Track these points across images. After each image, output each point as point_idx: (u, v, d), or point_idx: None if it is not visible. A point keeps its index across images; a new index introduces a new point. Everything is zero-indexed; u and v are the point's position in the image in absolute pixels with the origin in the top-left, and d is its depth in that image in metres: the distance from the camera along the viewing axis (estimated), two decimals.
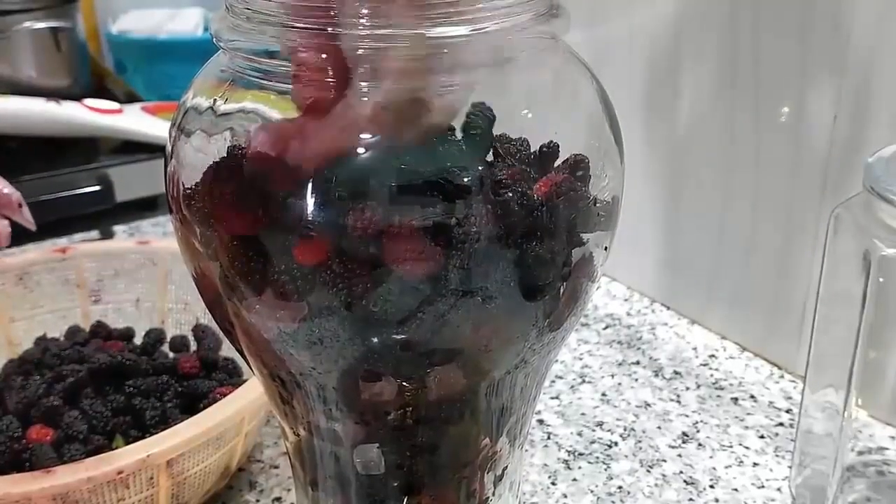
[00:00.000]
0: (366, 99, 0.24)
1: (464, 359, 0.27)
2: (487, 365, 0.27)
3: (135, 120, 0.82)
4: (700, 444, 0.49)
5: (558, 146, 0.26)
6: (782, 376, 0.55)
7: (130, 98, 0.93)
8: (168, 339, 0.52)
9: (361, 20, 0.23)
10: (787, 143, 0.51)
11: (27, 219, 0.52)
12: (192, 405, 0.45)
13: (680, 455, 0.48)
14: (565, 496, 0.45)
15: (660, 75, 0.58)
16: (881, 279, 0.36)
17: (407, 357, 0.25)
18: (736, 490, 0.45)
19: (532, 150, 0.26)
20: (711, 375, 0.55)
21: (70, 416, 0.42)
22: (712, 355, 0.57)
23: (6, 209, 0.51)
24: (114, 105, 0.82)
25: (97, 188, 0.75)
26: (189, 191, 0.26)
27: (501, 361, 0.27)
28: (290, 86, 0.25)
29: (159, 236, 0.73)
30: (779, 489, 0.45)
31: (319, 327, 0.25)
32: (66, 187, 0.74)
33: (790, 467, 0.45)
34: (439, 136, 0.26)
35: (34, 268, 0.52)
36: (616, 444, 0.49)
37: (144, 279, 0.54)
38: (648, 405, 0.52)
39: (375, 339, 0.25)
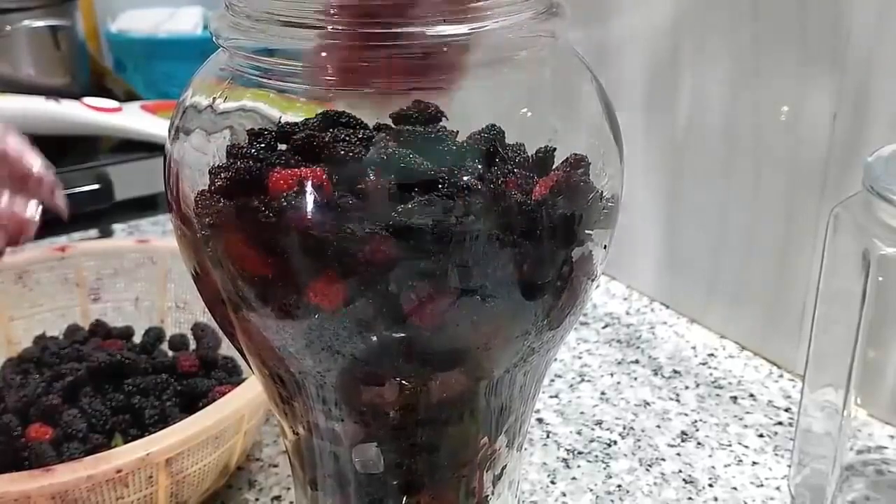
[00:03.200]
0: None
1: (465, 359, 0.27)
2: (487, 364, 0.27)
3: (134, 118, 0.81)
4: (699, 443, 0.49)
5: (554, 150, 0.26)
6: (781, 375, 0.55)
7: (130, 96, 0.92)
8: (167, 338, 0.52)
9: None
10: (787, 143, 0.51)
11: (60, 205, 0.44)
12: (191, 404, 0.45)
13: (679, 454, 0.48)
14: (564, 495, 0.45)
15: (660, 75, 0.58)
16: (880, 278, 0.36)
17: (408, 358, 0.25)
18: (735, 489, 0.45)
19: (529, 154, 0.26)
20: (710, 374, 0.55)
21: (69, 415, 0.42)
22: (711, 354, 0.57)
23: (37, 191, 0.42)
24: (113, 104, 0.82)
25: (96, 187, 0.75)
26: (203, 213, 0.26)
27: (501, 360, 0.27)
28: (288, 84, 0.25)
29: (158, 235, 0.73)
30: (778, 488, 0.45)
31: (320, 327, 0.25)
32: (65, 186, 0.74)
33: (789, 466, 0.45)
34: (439, 136, 0.26)
35: (33, 266, 0.52)
36: (615, 442, 0.49)
37: (144, 278, 0.54)
38: (647, 404, 0.52)
39: (376, 339, 0.25)
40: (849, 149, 0.47)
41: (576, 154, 0.26)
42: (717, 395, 0.53)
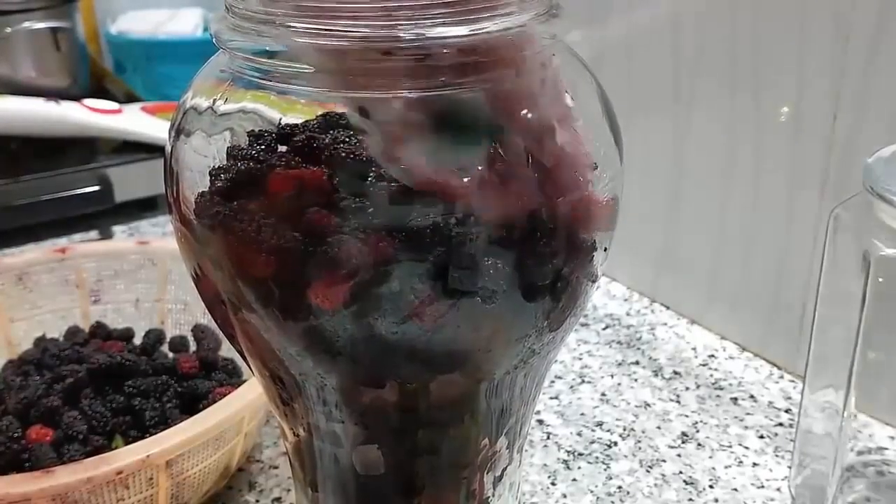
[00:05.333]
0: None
1: (465, 361, 0.27)
2: (488, 365, 0.27)
3: (134, 120, 0.81)
4: (699, 444, 0.49)
5: None
6: (782, 376, 0.55)
7: (130, 98, 0.92)
8: (167, 340, 0.52)
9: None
10: (787, 143, 0.51)
11: None
12: (191, 405, 0.45)
13: (679, 455, 0.48)
14: (565, 496, 0.45)
15: (660, 75, 0.58)
16: (880, 279, 0.36)
17: (408, 360, 0.25)
18: (735, 490, 0.45)
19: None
20: (711, 375, 0.55)
21: (69, 417, 0.42)
22: (712, 355, 0.57)
23: None
24: (113, 105, 0.82)
25: (96, 188, 0.75)
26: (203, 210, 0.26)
27: (502, 362, 0.27)
28: (288, 86, 0.25)
29: (159, 236, 0.73)
30: (778, 489, 0.45)
31: (320, 329, 0.25)
32: (65, 187, 0.74)
33: (790, 467, 0.45)
34: (439, 136, 0.26)
35: (34, 268, 0.52)
36: (615, 444, 0.49)
37: (144, 279, 0.54)
38: (648, 405, 0.52)
39: (376, 340, 0.25)
40: (849, 149, 0.47)
41: None
42: (718, 396, 0.53)
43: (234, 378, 0.48)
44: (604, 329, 0.61)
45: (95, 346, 0.50)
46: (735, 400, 0.53)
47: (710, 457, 0.48)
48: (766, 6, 0.50)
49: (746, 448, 0.48)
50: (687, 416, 0.51)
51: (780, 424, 0.50)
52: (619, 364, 0.56)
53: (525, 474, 0.46)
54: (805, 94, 0.49)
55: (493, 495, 0.31)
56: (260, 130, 0.26)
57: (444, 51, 0.23)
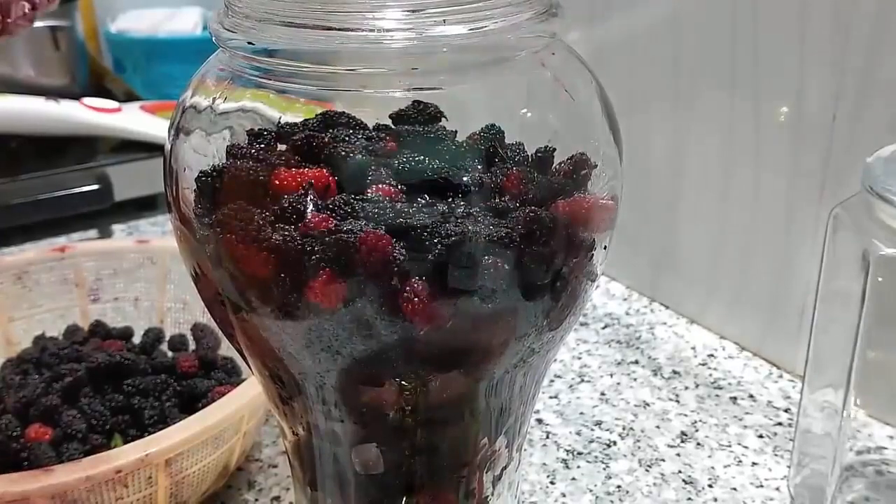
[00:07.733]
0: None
1: (464, 360, 0.27)
2: (487, 364, 0.27)
3: (133, 119, 0.81)
4: (699, 444, 0.49)
5: (554, 150, 0.26)
6: (781, 376, 0.55)
7: (129, 97, 0.92)
8: (167, 339, 0.52)
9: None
10: (786, 143, 0.51)
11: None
12: (190, 404, 0.45)
13: (678, 454, 0.48)
14: (564, 495, 0.45)
15: (660, 75, 0.58)
16: (880, 279, 0.36)
17: (407, 359, 0.25)
18: (734, 489, 0.45)
19: (528, 154, 0.26)
20: (710, 375, 0.55)
21: (69, 415, 0.42)
22: (711, 355, 0.57)
23: None
24: (112, 104, 0.82)
25: (96, 187, 0.75)
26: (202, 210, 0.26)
27: (501, 361, 0.27)
28: (288, 84, 0.25)
29: (158, 235, 0.73)
30: (777, 489, 0.45)
31: (319, 328, 0.25)
32: (64, 186, 0.74)
33: (789, 467, 0.45)
34: (439, 136, 0.26)
35: (33, 267, 0.52)
36: (615, 443, 0.49)
37: (143, 278, 0.54)
38: (647, 404, 0.52)
39: (375, 339, 0.25)
40: (849, 149, 0.47)
41: (581, 154, 0.26)
42: (717, 395, 0.53)
43: (233, 377, 0.48)
44: (603, 328, 0.61)
45: (94, 344, 0.50)
46: (734, 399, 0.53)
47: (710, 456, 0.48)
48: (766, 6, 0.50)
49: (745, 447, 0.48)
50: (686, 415, 0.51)
51: (780, 424, 0.50)
52: (619, 363, 0.56)
53: (524, 473, 0.46)
54: (805, 94, 0.49)
55: (493, 494, 0.31)
56: (259, 129, 0.26)
57: (444, 50, 0.23)
